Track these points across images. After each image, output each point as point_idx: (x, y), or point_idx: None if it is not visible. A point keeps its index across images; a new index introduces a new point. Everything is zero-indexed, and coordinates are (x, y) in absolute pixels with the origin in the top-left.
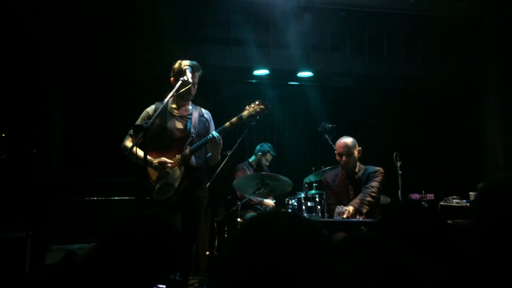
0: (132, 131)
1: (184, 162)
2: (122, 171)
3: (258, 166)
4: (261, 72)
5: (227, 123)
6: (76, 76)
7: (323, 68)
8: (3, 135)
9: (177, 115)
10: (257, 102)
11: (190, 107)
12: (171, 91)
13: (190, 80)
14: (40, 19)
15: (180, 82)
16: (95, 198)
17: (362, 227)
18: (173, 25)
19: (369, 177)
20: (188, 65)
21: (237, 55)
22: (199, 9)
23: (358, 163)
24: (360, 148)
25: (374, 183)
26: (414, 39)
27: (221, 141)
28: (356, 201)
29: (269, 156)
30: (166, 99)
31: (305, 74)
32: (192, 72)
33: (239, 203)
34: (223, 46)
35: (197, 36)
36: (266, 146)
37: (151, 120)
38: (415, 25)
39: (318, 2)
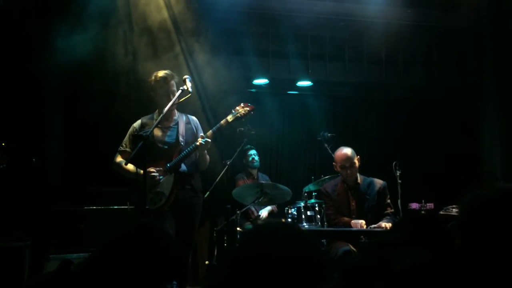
0: (121, 147)
1: (174, 170)
2: (120, 180)
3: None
4: (261, 81)
5: (222, 121)
6: (75, 85)
7: (322, 78)
8: (3, 144)
9: (162, 126)
10: (242, 105)
11: (175, 116)
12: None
13: (190, 89)
14: (41, 27)
15: (179, 91)
16: (93, 208)
17: (362, 236)
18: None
19: (379, 191)
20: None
21: (237, 65)
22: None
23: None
24: (358, 156)
25: (389, 200)
26: (413, 49)
27: (209, 141)
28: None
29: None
30: (166, 108)
31: (304, 83)
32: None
33: (238, 212)
34: (222, 56)
35: None
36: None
37: (151, 129)
38: (413, 35)
39: (317, 11)
